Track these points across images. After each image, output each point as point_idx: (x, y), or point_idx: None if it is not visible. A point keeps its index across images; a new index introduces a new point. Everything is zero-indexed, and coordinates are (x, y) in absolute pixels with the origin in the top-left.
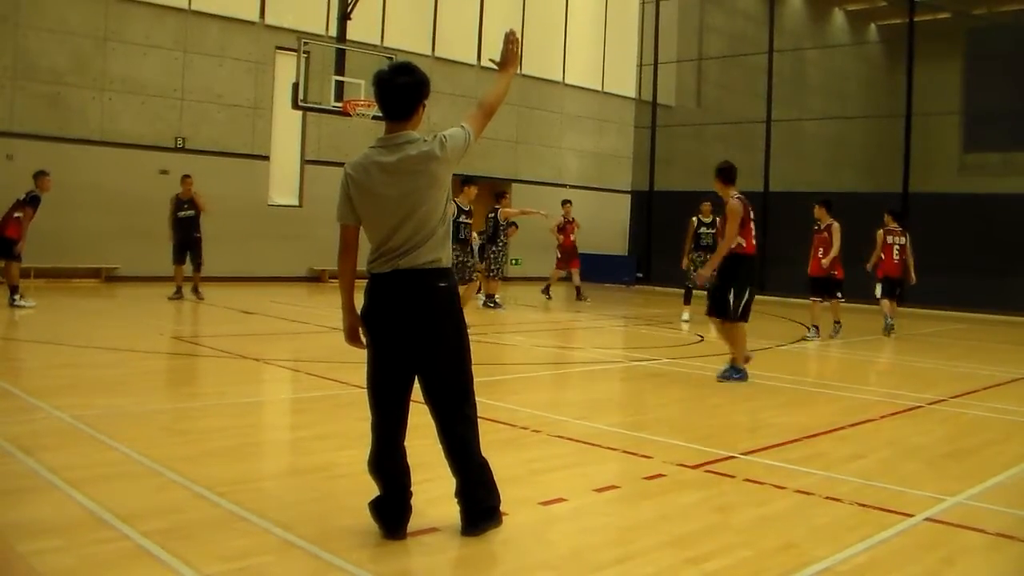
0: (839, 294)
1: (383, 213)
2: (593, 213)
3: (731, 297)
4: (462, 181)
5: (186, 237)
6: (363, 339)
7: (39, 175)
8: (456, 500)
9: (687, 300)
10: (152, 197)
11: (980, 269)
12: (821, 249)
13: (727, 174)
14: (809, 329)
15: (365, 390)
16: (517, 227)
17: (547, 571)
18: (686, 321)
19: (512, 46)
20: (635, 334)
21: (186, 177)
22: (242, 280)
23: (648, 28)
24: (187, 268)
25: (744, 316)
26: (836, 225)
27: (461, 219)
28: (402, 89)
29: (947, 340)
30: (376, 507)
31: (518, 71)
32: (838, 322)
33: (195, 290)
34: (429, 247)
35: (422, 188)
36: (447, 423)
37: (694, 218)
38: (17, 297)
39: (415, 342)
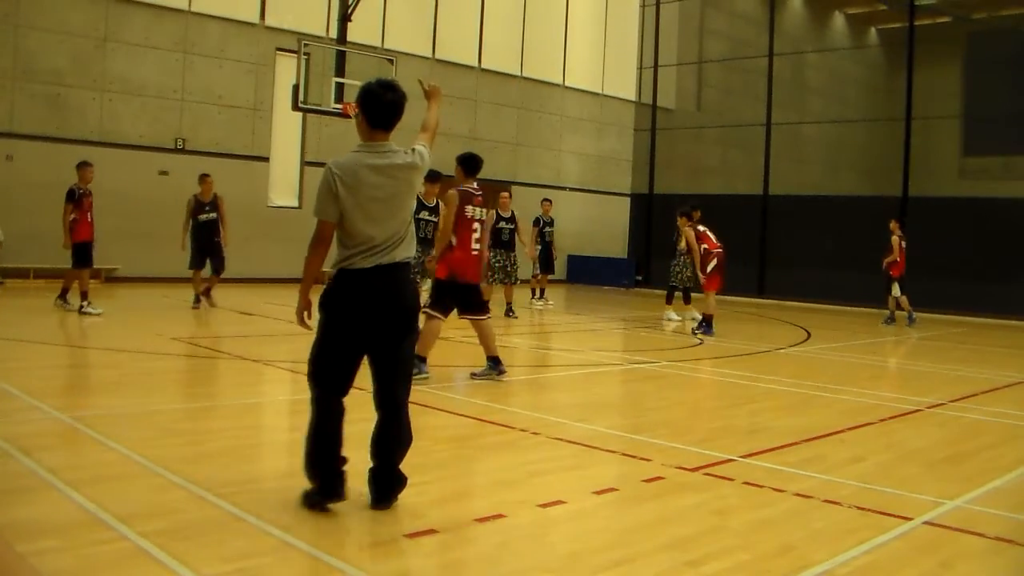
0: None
1: (371, 212)
2: (593, 216)
3: None
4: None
5: (207, 242)
6: (308, 323)
7: (79, 166)
8: (370, 454)
9: (687, 299)
10: (152, 198)
11: (979, 273)
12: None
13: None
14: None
15: (306, 374)
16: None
17: (545, 573)
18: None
19: (431, 91)
20: (634, 337)
21: (205, 176)
22: (241, 281)
23: (648, 31)
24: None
25: None
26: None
27: (500, 224)
28: (393, 105)
29: (946, 344)
30: (321, 487)
31: (519, 74)
32: (494, 361)
33: (207, 292)
34: (405, 245)
35: (403, 193)
36: (388, 386)
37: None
38: (79, 300)
39: (386, 328)
